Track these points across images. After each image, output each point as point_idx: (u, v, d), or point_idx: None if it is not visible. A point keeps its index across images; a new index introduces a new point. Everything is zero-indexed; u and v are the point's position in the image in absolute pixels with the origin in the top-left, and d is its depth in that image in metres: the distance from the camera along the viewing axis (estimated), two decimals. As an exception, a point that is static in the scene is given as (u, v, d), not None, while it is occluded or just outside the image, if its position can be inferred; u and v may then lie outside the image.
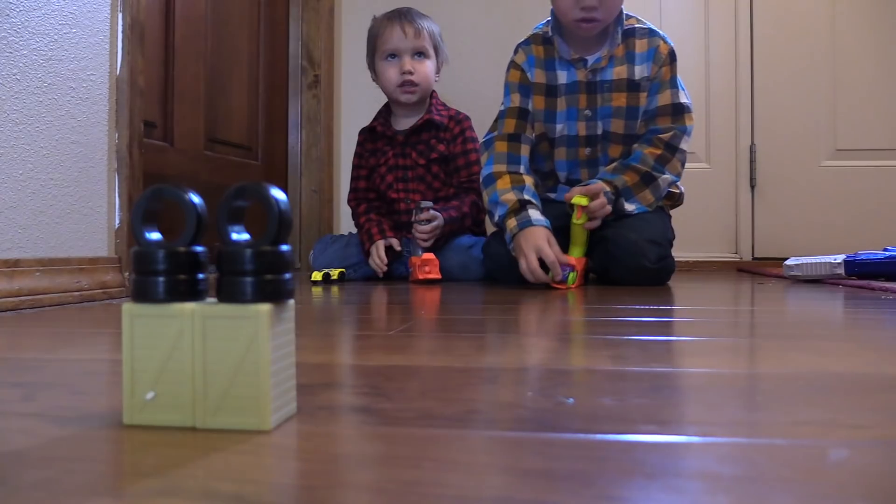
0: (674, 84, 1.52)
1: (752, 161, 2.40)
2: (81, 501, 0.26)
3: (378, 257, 1.66)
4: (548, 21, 1.55)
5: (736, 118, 2.40)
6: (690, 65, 2.38)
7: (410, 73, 1.74)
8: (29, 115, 1.04)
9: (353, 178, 1.85)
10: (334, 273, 1.61)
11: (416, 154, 1.77)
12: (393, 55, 1.76)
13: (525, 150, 1.53)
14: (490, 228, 1.73)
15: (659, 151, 1.49)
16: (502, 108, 1.57)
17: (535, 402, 0.40)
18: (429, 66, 1.77)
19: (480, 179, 1.54)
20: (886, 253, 1.47)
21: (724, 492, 0.26)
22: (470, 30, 2.30)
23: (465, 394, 0.44)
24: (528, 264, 1.34)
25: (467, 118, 1.81)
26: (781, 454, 0.31)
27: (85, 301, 1.10)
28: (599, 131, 1.53)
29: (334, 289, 1.43)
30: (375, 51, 1.79)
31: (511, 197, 1.44)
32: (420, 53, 1.76)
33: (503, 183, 1.47)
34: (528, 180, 1.48)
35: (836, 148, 2.38)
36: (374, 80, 1.85)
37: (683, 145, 1.51)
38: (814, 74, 2.37)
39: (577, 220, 1.39)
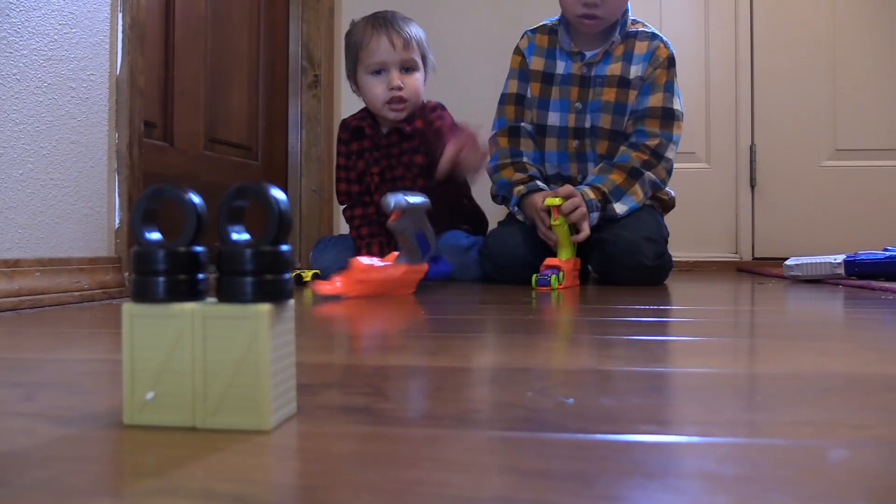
0: (668, 88, 1.52)
1: (753, 161, 2.40)
2: (82, 501, 0.26)
3: None
4: (560, 16, 1.59)
5: (736, 118, 2.40)
6: (691, 65, 2.38)
7: (400, 88, 1.60)
8: (29, 116, 1.04)
9: (343, 180, 1.73)
10: (307, 274, 1.50)
11: (403, 169, 1.69)
12: (379, 70, 1.62)
13: (526, 145, 1.59)
14: (491, 227, 1.74)
15: (645, 157, 1.50)
16: (502, 93, 1.65)
17: (534, 402, 0.40)
18: (418, 78, 1.64)
19: (487, 172, 1.60)
20: (886, 253, 1.48)
21: (724, 492, 0.26)
22: (466, 30, 2.30)
23: (465, 394, 0.44)
24: (541, 228, 1.47)
25: (434, 107, 1.66)
26: (781, 454, 0.31)
27: (85, 301, 1.10)
28: (588, 124, 1.56)
29: (307, 292, 1.43)
30: (358, 63, 1.64)
31: (520, 176, 1.55)
32: (409, 67, 1.63)
33: (507, 172, 1.57)
34: (532, 168, 1.57)
35: (836, 148, 2.38)
36: (354, 92, 1.72)
37: (669, 153, 1.52)
38: (814, 74, 2.37)
39: (555, 221, 1.41)
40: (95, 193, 1.17)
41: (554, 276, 1.31)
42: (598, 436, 0.33)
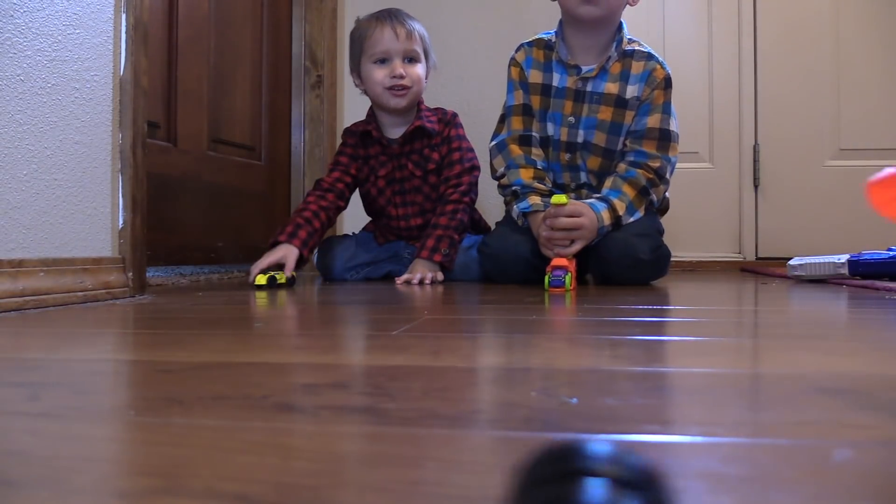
0: (665, 110, 1.51)
1: (756, 161, 2.39)
2: (86, 501, 0.26)
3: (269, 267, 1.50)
4: (557, 29, 1.57)
5: (739, 118, 2.40)
6: (694, 64, 2.37)
7: (402, 76, 1.63)
8: (33, 116, 1.04)
9: (332, 164, 1.74)
10: (280, 277, 1.46)
11: (413, 165, 1.70)
12: (383, 59, 1.65)
13: (537, 154, 1.57)
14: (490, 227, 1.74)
15: (650, 175, 1.50)
16: (507, 105, 1.60)
17: (538, 402, 0.40)
18: (420, 70, 1.67)
19: (503, 172, 1.58)
20: (890, 253, 1.47)
21: (728, 492, 0.26)
22: (468, 30, 2.29)
23: (469, 394, 0.44)
24: (543, 243, 1.45)
25: (454, 115, 1.74)
26: (785, 454, 0.31)
27: (89, 301, 1.10)
28: (580, 139, 1.55)
29: (279, 293, 1.43)
30: (362, 54, 1.68)
31: (540, 186, 1.53)
32: (411, 59, 1.66)
33: (527, 175, 1.54)
34: (549, 182, 1.55)
35: (839, 147, 2.37)
36: (357, 86, 1.74)
37: (668, 176, 1.53)
38: (817, 74, 2.37)
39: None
40: (99, 194, 1.18)
41: (568, 276, 1.30)
42: (602, 436, 0.33)
